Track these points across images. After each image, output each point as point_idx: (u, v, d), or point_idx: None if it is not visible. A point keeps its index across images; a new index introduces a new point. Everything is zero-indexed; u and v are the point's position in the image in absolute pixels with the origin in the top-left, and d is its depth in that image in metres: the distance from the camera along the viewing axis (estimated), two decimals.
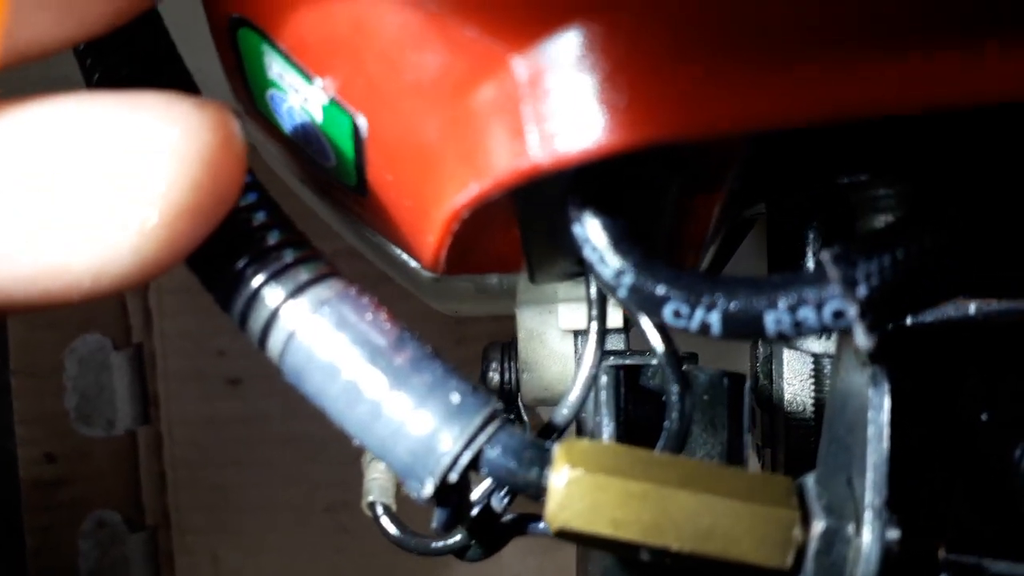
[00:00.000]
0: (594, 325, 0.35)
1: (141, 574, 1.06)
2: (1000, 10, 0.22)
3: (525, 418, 0.52)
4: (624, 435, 0.37)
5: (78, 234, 0.24)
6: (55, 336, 1.01)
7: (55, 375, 1.01)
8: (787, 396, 0.45)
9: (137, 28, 0.33)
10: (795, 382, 0.45)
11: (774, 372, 0.47)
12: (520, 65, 0.23)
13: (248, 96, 0.35)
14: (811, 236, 0.38)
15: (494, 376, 0.52)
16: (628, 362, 0.38)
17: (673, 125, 0.21)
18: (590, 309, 0.35)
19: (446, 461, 0.28)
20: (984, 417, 0.31)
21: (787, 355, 0.45)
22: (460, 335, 0.98)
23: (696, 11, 0.21)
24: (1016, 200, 0.25)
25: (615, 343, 0.48)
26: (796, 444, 0.46)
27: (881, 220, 0.35)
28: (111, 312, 1.03)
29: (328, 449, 0.96)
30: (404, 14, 0.24)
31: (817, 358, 0.43)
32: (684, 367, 0.39)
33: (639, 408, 0.38)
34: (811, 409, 0.44)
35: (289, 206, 0.44)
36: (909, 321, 0.35)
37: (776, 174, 0.35)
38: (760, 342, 0.48)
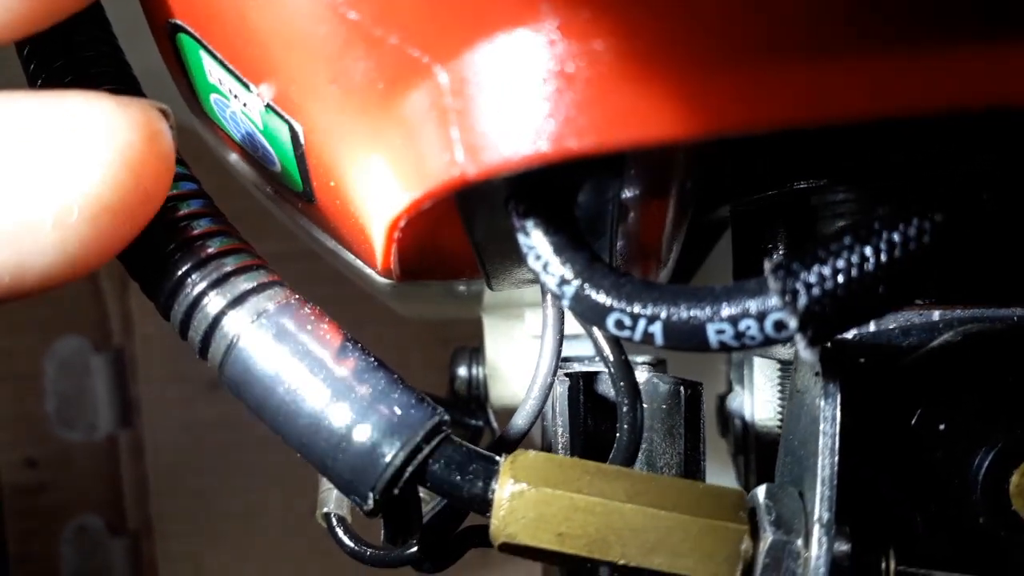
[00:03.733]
0: (549, 332, 0.34)
1: None
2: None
3: (495, 425, 0.52)
4: (582, 445, 0.36)
5: None
6: (34, 339, 1.00)
7: (35, 379, 1.01)
8: (757, 402, 0.45)
9: (80, 29, 0.33)
10: (765, 388, 0.44)
11: (745, 379, 0.46)
12: (444, 75, 0.22)
13: (195, 99, 0.34)
14: (775, 239, 0.37)
15: (462, 383, 0.51)
16: (586, 369, 0.38)
17: (596, 136, 0.21)
18: (546, 316, 0.35)
19: (388, 476, 0.28)
20: (942, 427, 0.31)
21: (757, 361, 0.45)
22: (444, 336, 0.98)
23: (618, 19, 0.21)
24: (969, 209, 0.25)
25: (584, 348, 0.47)
26: (766, 452, 0.45)
27: (839, 225, 0.34)
28: (91, 315, 1.03)
29: None
30: (329, 23, 0.23)
31: (784, 365, 0.42)
32: (648, 376, 0.38)
33: (599, 416, 0.38)
34: (779, 417, 0.43)
35: (242, 205, 0.44)
36: (871, 328, 0.34)
37: (728, 178, 0.34)
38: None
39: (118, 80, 0.32)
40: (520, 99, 0.21)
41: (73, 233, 0.25)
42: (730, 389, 0.51)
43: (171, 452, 1.05)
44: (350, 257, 0.37)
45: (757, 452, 0.45)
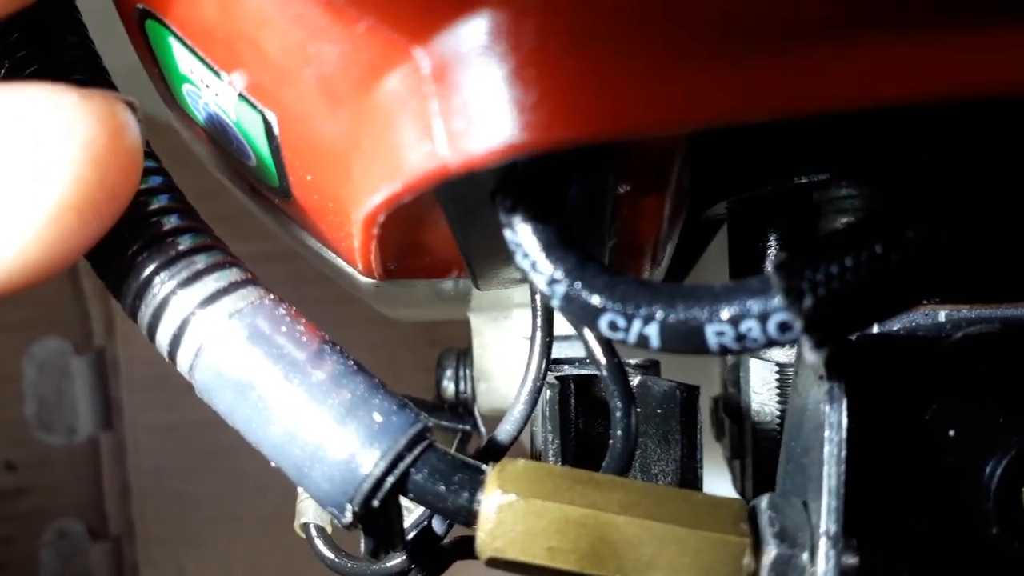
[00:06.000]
0: (538, 335, 0.33)
1: None
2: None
3: (483, 430, 0.50)
4: (574, 451, 0.35)
5: None
6: (13, 340, 0.98)
7: (14, 381, 0.99)
8: (754, 406, 0.43)
9: (48, 17, 0.31)
10: (762, 391, 0.43)
11: (741, 380, 0.45)
12: (424, 57, 0.21)
13: (168, 91, 0.33)
14: (772, 237, 0.36)
15: (449, 385, 0.49)
16: (578, 372, 0.36)
17: (589, 123, 0.19)
18: (534, 317, 0.33)
19: (367, 486, 0.26)
20: (952, 433, 0.29)
21: (753, 363, 0.43)
22: (434, 337, 0.96)
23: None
24: (978, 206, 0.23)
25: (578, 350, 0.46)
26: (764, 456, 0.43)
27: (843, 222, 0.32)
28: (72, 316, 1.00)
29: None
30: (300, 3, 0.21)
31: (782, 367, 0.40)
32: (640, 378, 0.36)
33: (592, 421, 0.36)
34: (777, 420, 0.42)
35: (228, 205, 0.42)
36: (874, 329, 0.32)
37: (727, 171, 0.33)
38: None
39: (86, 71, 0.30)
40: (507, 82, 0.20)
41: (35, 236, 0.24)
42: (725, 391, 0.50)
43: (153, 455, 1.03)
44: (331, 256, 0.36)
45: (755, 457, 0.44)
